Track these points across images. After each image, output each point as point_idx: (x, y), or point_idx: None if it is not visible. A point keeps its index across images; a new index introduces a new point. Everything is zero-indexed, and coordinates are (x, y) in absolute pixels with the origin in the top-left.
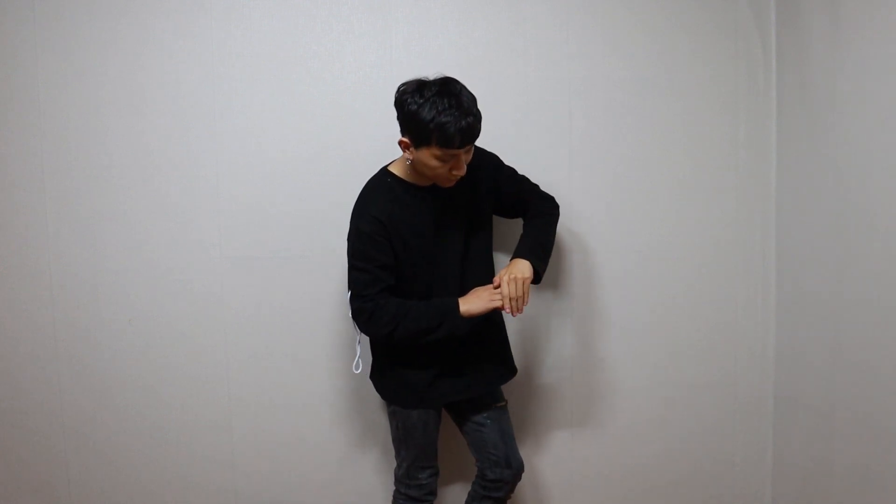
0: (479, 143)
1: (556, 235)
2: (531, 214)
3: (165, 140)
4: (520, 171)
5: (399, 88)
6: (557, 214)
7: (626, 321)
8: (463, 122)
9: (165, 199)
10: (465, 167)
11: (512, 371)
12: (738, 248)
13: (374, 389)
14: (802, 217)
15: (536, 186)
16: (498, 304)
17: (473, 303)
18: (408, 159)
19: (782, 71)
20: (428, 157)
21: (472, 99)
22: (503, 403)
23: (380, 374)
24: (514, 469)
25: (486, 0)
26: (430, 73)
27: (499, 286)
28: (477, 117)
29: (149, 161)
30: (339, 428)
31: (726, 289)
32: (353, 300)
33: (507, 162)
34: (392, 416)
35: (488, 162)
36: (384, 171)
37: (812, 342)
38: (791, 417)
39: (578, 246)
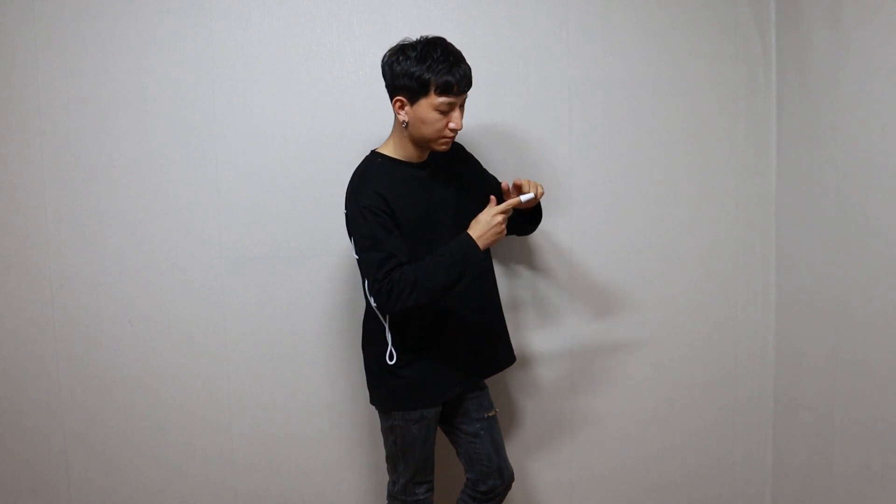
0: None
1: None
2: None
3: (165, 140)
4: (520, 172)
5: (383, 57)
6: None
7: (625, 321)
8: (460, 66)
9: (165, 199)
10: (461, 122)
11: (511, 358)
12: (738, 248)
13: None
14: (802, 217)
15: None
16: (502, 229)
17: (486, 237)
18: (403, 122)
19: (782, 71)
20: (427, 110)
21: (459, 52)
22: (493, 413)
23: (376, 384)
24: (505, 479)
25: (486, 0)
26: None
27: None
28: (468, 66)
29: (149, 161)
30: (338, 428)
31: (726, 289)
32: (371, 287)
33: (507, 161)
34: (390, 431)
35: (473, 159)
36: (373, 153)
37: (812, 342)
38: (791, 417)
39: (578, 246)
